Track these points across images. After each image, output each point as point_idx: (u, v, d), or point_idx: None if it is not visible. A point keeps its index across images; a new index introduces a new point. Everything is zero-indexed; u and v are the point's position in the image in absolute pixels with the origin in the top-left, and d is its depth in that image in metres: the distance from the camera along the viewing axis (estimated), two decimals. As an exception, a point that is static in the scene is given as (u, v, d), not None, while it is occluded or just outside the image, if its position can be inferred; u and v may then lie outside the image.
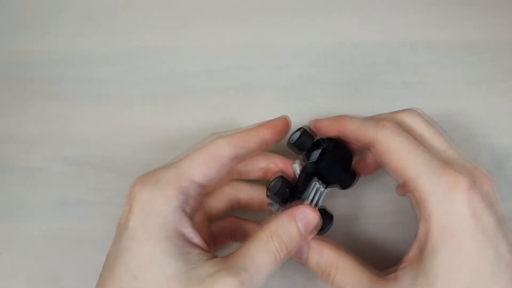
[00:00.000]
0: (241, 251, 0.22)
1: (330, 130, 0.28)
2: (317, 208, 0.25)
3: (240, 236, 0.28)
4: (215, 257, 0.23)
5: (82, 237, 0.31)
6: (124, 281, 0.21)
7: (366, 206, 0.32)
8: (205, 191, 0.25)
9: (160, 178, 0.23)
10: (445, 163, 0.23)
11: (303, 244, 0.25)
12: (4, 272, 0.31)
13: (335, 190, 0.28)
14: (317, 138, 0.29)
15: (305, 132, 0.28)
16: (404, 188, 0.25)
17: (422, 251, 0.23)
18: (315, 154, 0.27)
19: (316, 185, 0.26)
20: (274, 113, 0.35)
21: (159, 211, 0.22)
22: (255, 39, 0.37)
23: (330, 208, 0.27)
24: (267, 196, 0.27)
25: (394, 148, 0.24)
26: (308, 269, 0.26)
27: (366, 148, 0.26)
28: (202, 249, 0.23)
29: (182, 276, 0.21)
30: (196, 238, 0.23)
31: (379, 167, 0.29)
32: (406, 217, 0.31)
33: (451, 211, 0.22)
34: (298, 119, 0.34)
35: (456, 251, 0.21)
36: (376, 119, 0.26)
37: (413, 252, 0.24)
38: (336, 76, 0.36)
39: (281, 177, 0.27)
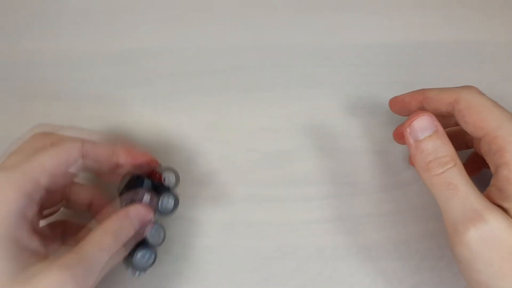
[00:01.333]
0: (75, 249, 0.22)
1: (411, 102, 0.29)
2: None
3: (71, 238, 0.27)
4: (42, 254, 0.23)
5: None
6: None
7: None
8: (47, 194, 0.24)
9: (2, 179, 0.22)
10: None
11: (429, 125, 0.25)
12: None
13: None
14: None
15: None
16: (480, 141, 0.26)
17: (504, 192, 0.24)
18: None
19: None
20: (274, 113, 0.35)
21: None
22: (255, 39, 0.37)
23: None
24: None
25: (477, 104, 0.25)
26: (416, 148, 0.25)
27: (446, 110, 0.27)
28: (38, 252, 0.23)
29: (7, 278, 0.20)
30: (33, 242, 0.23)
31: (482, 167, 0.30)
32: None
33: None
34: (298, 119, 0.35)
35: None
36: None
37: (492, 196, 0.24)
38: (336, 76, 0.36)
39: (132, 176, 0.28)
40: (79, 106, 0.35)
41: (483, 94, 0.26)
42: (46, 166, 0.23)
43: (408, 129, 0.26)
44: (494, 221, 0.22)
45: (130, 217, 0.25)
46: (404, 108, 0.30)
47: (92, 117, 0.35)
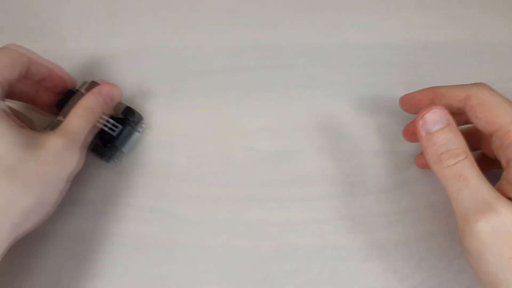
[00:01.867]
0: (66, 124, 0.28)
1: (422, 99, 0.29)
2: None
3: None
4: (32, 130, 0.28)
5: (82, 237, 0.31)
6: None
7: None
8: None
9: None
10: None
11: (441, 118, 0.26)
12: (4, 272, 0.32)
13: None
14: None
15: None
16: (492, 137, 0.26)
17: None
18: None
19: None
20: (274, 113, 0.35)
21: None
22: (255, 39, 0.37)
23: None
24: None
25: (489, 100, 0.26)
26: (427, 139, 0.26)
27: (457, 107, 0.27)
28: (32, 129, 0.28)
29: (22, 145, 0.26)
30: (18, 122, 0.28)
31: (489, 168, 0.30)
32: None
33: None
34: (298, 119, 0.35)
35: None
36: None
37: (505, 188, 0.25)
38: (336, 76, 0.36)
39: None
40: (79, 106, 0.35)
41: (494, 91, 0.26)
42: (6, 63, 0.28)
43: (420, 122, 0.26)
44: (505, 213, 0.23)
45: (103, 94, 0.31)
46: (415, 105, 0.30)
47: (92, 117, 0.35)
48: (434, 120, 0.26)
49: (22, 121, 0.31)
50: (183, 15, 0.38)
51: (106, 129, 0.32)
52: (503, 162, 0.26)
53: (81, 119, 0.29)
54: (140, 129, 0.34)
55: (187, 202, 0.32)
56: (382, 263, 0.31)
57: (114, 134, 0.32)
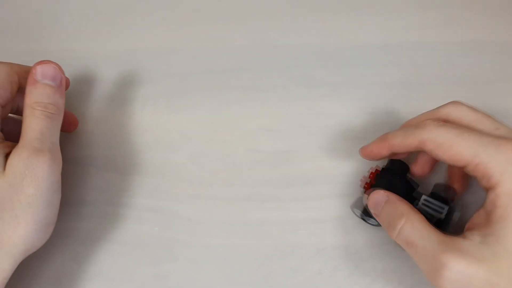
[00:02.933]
0: (22, 132, 0.26)
1: (380, 151, 0.29)
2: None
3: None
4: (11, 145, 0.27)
5: (82, 237, 0.31)
6: None
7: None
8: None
9: None
10: (497, 136, 0.24)
11: (381, 198, 0.27)
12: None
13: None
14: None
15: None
16: (467, 172, 0.26)
17: (489, 216, 0.24)
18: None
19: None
20: (274, 113, 0.35)
21: None
22: (255, 39, 0.37)
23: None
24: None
25: (442, 140, 0.25)
26: (379, 220, 0.28)
27: (417, 150, 0.27)
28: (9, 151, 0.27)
29: (1, 170, 0.25)
30: (6, 144, 0.27)
31: (433, 165, 0.30)
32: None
33: None
34: (298, 119, 0.35)
35: None
36: (416, 123, 0.28)
37: (479, 218, 0.25)
38: (336, 76, 0.36)
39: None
40: (79, 106, 0.35)
41: (443, 125, 0.26)
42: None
43: (373, 211, 0.28)
44: (453, 265, 0.22)
45: (39, 79, 0.28)
46: (376, 156, 0.29)
47: (92, 117, 0.35)
48: (376, 205, 0.27)
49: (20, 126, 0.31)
50: (183, 15, 0.38)
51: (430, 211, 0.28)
52: (484, 189, 0.25)
53: (32, 119, 0.27)
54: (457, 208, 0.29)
55: (187, 202, 0.32)
56: (382, 263, 0.31)
57: (441, 216, 0.27)
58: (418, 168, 0.30)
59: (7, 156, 0.26)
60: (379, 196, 0.27)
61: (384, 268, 0.30)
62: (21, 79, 0.29)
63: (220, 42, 0.37)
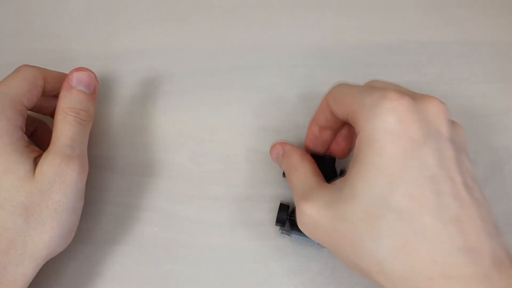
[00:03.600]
0: (53, 138, 0.27)
1: (315, 145, 0.30)
2: None
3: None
4: (41, 153, 0.27)
5: (82, 237, 0.31)
6: None
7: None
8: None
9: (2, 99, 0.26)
10: (379, 88, 0.24)
11: (278, 150, 0.30)
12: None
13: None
14: None
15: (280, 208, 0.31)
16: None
17: (353, 162, 0.23)
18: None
19: None
20: (274, 113, 0.35)
21: (5, 130, 0.26)
22: (255, 39, 0.37)
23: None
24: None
25: (339, 94, 0.26)
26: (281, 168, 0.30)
27: (340, 119, 0.27)
28: (32, 149, 0.27)
29: (31, 175, 0.25)
30: (33, 149, 0.27)
31: (351, 142, 0.30)
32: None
33: (378, 120, 0.22)
34: (298, 119, 0.35)
35: (379, 156, 0.22)
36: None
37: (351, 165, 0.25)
38: (336, 76, 0.36)
39: (280, 204, 0.31)
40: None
41: (350, 83, 0.26)
42: (25, 89, 0.27)
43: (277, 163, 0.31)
44: (306, 209, 0.24)
45: (74, 86, 0.28)
46: (316, 147, 0.30)
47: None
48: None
49: (36, 125, 0.32)
50: (183, 15, 0.38)
51: None
52: None
53: (64, 124, 0.27)
54: None
55: (187, 202, 0.32)
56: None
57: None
58: (337, 147, 0.30)
59: (35, 160, 0.26)
60: (277, 149, 0.30)
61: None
62: (45, 83, 0.29)
63: (220, 42, 0.37)
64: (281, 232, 0.31)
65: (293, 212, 0.30)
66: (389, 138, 0.22)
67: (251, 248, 0.31)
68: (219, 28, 0.38)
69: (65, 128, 0.27)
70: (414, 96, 0.23)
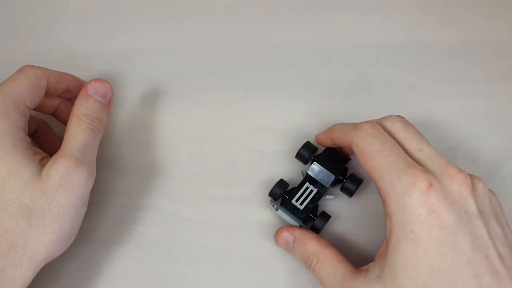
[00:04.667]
0: (64, 142, 0.27)
1: (325, 140, 0.31)
2: (304, 205, 0.30)
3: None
4: (48, 157, 0.27)
5: (81, 237, 0.31)
6: None
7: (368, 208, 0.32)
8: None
9: (3, 101, 0.26)
10: (409, 164, 0.24)
11: (288, 237, 0.29)
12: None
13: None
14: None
15: (305, 145, 0.31)
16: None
17: (387, 245, 0.24)
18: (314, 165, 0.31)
19: (306, 185, 0.30)
20: (274, 113, 0.35)
21: (7, 131, 0.26)
22: (255, 39, 0.37)
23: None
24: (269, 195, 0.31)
25: (365, 150, 0.26)
26: (295, 255, 0.29)
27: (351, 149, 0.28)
28: (38, 153, 0.27)
29: (35, 174, 0.25)
30: (36, 151, 0.27)
31: None
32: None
33: (409, 209, 0.23)
34: (298, 119, 0.35)
35: (415, 246, 0.23)
36: (358, 123, 0.28)
37: (382, 248, 0.25)
38: (336, 76, 0.36)
39: (280, 180, 0.31)
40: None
41: (373, 136, 0.26)
42: (28, 90, 0.27)
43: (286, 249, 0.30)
44: None
45: (91, 94, 0.29)
46: (324, 143, 0.31)
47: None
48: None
49: (37, 125, 0.32)
50: (183, 15, 0.38)
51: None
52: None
53: (77, 129, 0.27)
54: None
55: (187, 202, 0.32)
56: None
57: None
58: (351, 151, 0.31)
59: (40, 162, 0.26)
60: (286, 236, 0.29)
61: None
62: (48, 83, 0.29)
63: (220, 42, 0.37)
64: (270, 204, 0.31)
65: (289, 191, 0.31)
66: (422, 229, 0.23)
67: (251, 248, 0.31)
68: (220, 28, 0.38)
69: (78, 134, 0.27)
70: (434, 169, 0.24)
